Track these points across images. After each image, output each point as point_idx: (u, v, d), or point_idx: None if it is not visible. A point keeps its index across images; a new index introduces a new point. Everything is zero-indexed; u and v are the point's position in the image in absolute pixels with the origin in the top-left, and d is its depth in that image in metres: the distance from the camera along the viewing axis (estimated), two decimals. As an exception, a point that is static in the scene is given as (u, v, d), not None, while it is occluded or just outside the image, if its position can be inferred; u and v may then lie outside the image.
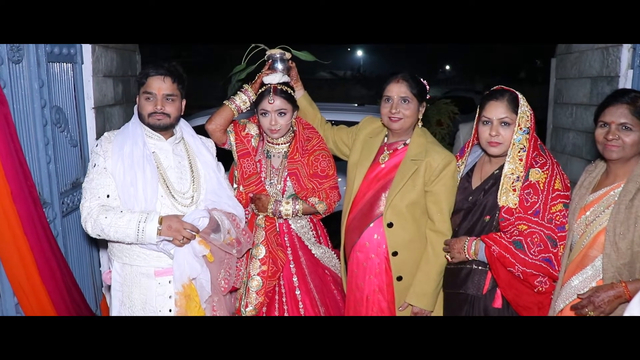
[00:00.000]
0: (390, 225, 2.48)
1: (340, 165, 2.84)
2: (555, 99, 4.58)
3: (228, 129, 2.73)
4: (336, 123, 2.97)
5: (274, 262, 2.68)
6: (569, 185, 2.26)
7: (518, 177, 2.22)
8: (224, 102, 2.69)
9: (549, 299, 2.21)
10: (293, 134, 2.77)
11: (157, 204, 2.29)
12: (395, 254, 2.49)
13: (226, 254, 2.40)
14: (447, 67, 30.05)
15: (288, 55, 2.73)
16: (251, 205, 2.75)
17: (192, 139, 2.51)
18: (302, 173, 2.71)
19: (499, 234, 2.24)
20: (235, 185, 2.74)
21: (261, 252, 2.69)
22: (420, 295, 2.46)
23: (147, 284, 2.35)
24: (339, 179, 2.80)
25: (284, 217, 2.71)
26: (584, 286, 2.08)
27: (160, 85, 2.30)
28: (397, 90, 2.49)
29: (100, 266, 3.28)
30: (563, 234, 2.17)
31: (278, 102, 2.62)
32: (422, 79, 2.57)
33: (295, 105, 2.71)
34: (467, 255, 2.30)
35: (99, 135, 3.04)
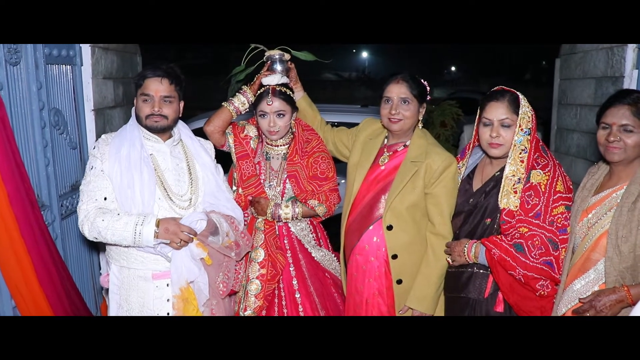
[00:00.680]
0: (389, 227, 2.46)
1: (341, 167, 2.81)
2: (559, 99, 4.54)
3: (227, 131, 2.71)
4: (339, 124, 2.95)
5: (273, 265, 2.66)
6: (571, 187, 2.22)
7: (519, 179, 2.19)
8: (223, 103, 2.67)
9: (552, 304, 2.18)
10: (292, 136, 2.74)
11: (154, 206, 2.27)
12: (395, 257, 2.46)
13: (225, 257, 2.38)
14: (453, 69, 30.01)
15: (287, 57, 2.71)
16: (250, 208, 2.73)
17: (190, 140, 2.49)
18: (302, 175, 2.69)
19: (499, 236, 2.21)
20: (234, 188, 2.72)
21: (260, 255, 2.66)
22: (421, 299, 2.43)
23: (145, 287, 2.33)
24: (341, 181, 2.77)
25: (284, 221, 2.69)
26: (586, 290, 2.05)
27: (158, 87, 2.28)
28: (397, 91, 2.46)
29: (100, 269, 3.26)
30: (565, 236, 2.14)
31: (277, 104, 2.60)
32: (422, 80, 2.54)
33: (294, 107, 2.69)
34: (467, 259, 2.27)
35: (99, 137, 3.03)
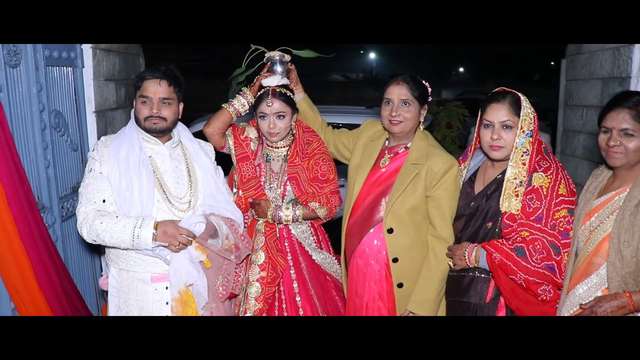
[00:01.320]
0: (390, 230, 2.43)
1: (342, 169, 2.78)
2: (565, 100, 4.50)
3: (227, 133, 2.70)
4: (345, 126, 2.92)
5: (273, 268, 2.64)
6: (574, 190, 2.18)
7: (521, 182, 2.15)
8: (223, 105, 2.66)
9: (555, 309, 2.14)
10: (292, 138, 2.72)
11: (153, 209, 2.26)
12: (395, 260, 2.44)
13: (224, 259, 2.36)
14: (461, 70, 29.92)
15: (287, 58, 2.69)
16: (251, 211, 2.71)
17: (190, 142, 2.47)
18: (302, 177, 2.66)
19: (500, 240, 2.17)
20: (234, 190, 2.70)
21: (260, 257, 2.64)
22: (422, 303, 2.40)
23: (144, 289, 2.32)
24: (342, 184, 2.75)
25: (284, 223, 2.67)
26: (589, 295, 2.01)
27: (156, 89, 2.26)
28: (398, 92, 2.44)
29: (102, 271, 3.26)
30: (567, 240, 2.10)
31: (277, 105, 2.58)
32: (424, 81, 2.51)
33: (294, 108, 2.67)
34: (468, 263, 2.24)
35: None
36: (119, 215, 2.20)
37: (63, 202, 2.86)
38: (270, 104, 2.57)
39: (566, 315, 2.07)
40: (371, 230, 2.49)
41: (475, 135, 2.40)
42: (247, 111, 2.68)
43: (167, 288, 2.29)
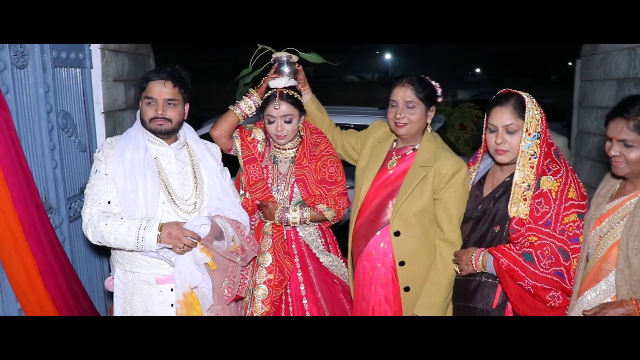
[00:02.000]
0: (397, 233, 2.40)
1: (351, 171, 2.76)
2: (580, 101, 4.43)
3: (233, 134, 2.68)
4: (357, 127, 2.89)
5: (280, 270, 2.61)
6: (585, 194, 2.12)
7: (529, 185, 2.10)
8: (229, 107, 2.63)
9: (564, 315, 2.09)
10: (300, 139, 2.70)
11: (158, 210, 2.25)
12: (402, 263, 2.41)
13: (230, 262, 2.34)
14: (478, 70, 29.73)
15: (295, 58, 2.66)
16: (258, 213, 2.69)
17: (196, 144, 2.46)
18: (310, 179, 2.64)
19: (508, 245, 2.12)
20: (241, 192, 2.69)
21: (268, 260, 2.62)
22: (429, 307, 2.36)
23: (149, 291, 2.31)
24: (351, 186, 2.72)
25: (292, 225, 2.64)
26: (597, 302, 1.94)
27: (161, 90, 2.25)
28: (402, 94, 2.40)
29: (110, 272, 3.26)
30: (576, 246, 2.04)
31: (284, 108, 2.55)
32: (433, 82, 2.46)
33: (302, 110, 2.65)
34: (475, 268, 2.19)
35: (109, 140, 3.04)
36: (123, 217, 2.19)
37: (71, 203, 2.87)
38: (278, 106, 2.54)
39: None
40: (378, 233, 2.46)
41: (483, 138, 2.36)
42: (254, 113, 2.65)
43: (172, 290, 2.28)
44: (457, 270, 2.29)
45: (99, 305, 3.02)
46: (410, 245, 2.40)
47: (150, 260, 2.27)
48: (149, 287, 2.31)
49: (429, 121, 2.45)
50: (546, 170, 2.10)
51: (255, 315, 2.58)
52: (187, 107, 2.38)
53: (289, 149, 2.68)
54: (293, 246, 2.70)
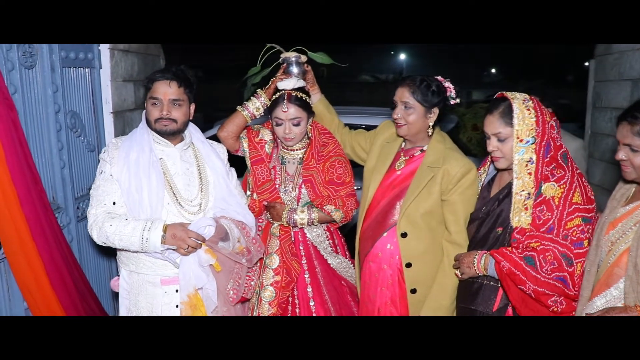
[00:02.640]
0: (404, 235, 2.37)
1: (359, 172, 2.73)
2: (593, 102, 4.37)
3: (241, 135, 2.66)
4: (368, 128, 2.86)
5: (287, 272, 2.60)
6: (592, 197, 2.06)
7: (529, 194, 2.04)
8: (237, 107, 2.62)
9: None
10: (308, 140, 2.68)
11: (163, 211, 2.24)
12: (409, 265, 2.38)
13: (236, 263, 2.33)
14: (493, 71, 29.51)
15: (304, 58, 2.62)
16: (266, 214, 2.67)
17: (202, 144, 2.45)
18: (317, 180, 2.62)
19: (509, 248, 2.08)
20: (248, 193, 2.67)
21: (275, 261, 2.61)
22: (436, 309, 2.34)
23: (154, 292, 2.31)
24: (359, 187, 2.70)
25: (299, 226, 2.63)
26: None
27: (166, 90, 2.25)
28: (400, 95, 2.38)
29: (118, 272, 3.27)
30: (580, 250, 1.99)
31: (292, 110, 2.53)
32: (442, 83, 2.41)
33: (310, 112, 2.62)
34: (477, 271, 2.16)
35: (117, 140, 3.04)
36: (128, 218, 2.19)
37: (78, 203, 2.88)
38: (286, 109, 2.52)
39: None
40: (385, 234, 2.44)
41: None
42: (262, 114, 2.63)
43: (177, 291, 2.27)
44: (458, 274, 2.26)
45: (107, 305, 3.03)
46: (417, 246, 2.38)
47: (155, 261, 2.26)
48: (154, 288, 2.30)
49: (431, 123, 2.40)
50: (549, 177, 2.04)
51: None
52: (192, 107, 2.37)
53: (297, 150, 2.67)
54: (301, 247, 2.68)
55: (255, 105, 2.59)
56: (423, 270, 2.38)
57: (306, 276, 2.66)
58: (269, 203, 2.63)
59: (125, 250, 2.25)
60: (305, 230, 2.67)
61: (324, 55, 2.70)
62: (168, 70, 2.28)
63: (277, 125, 2.57)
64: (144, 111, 2.34)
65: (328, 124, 2.78)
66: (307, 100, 2.60)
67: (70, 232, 2.80)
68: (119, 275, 2.42)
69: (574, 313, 2.02)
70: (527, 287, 1.99)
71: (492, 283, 2.17)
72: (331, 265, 2.70)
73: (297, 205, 2.64)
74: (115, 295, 3.20)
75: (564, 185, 2.02)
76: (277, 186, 2.64)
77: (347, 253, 2.80)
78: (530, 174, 2.05)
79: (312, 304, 2.64)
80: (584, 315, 1.96)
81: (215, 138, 2.63)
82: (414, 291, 2.40)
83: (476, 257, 2.16)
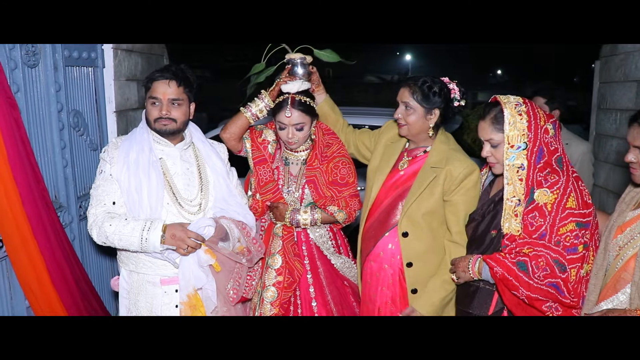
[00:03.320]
0: (405, 234, 2.37)
1: (362, 173, 2.73)
2: (598, 104, 4.34)
3: (244, 135, 2.65)
4: (373, 128, 2.85)
5: (290, 272, 2.59)
6: (588, 202, 2.01)
7: (519, 200, 2.01)
8: (240, 108, 2.59)
9: None
10: (312, 142, 2.67)
11: (162, 211, 2.24)
12: (409, 265, 2.38)
13: (236, 263, 2.32)
14: (499, 72, 29.41)
15: (309, 59, 2.57)
16: (269, 214, 2.67)
17: (202, 144, 2.44)
18: (321, 180, 2.61)
19: (502, 253, 2.04)
20: (249, 193, 2.66)
21: (277, 262, 2.60)
22: (427, 305, 2.35)
23: (153, 292, 2.30)
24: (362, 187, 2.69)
25: (302, 227, 2.62)
26: None
27: (165, 90, 2.24)
28: (401, 95, 2.38)
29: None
30: (574, 256, 1.94)
31: (296, 115, 2.50)
32: (446, 85, 2.38)
33: (314, 115, 2.60)
34: (472, 275, 2.13)
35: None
36: (128, 218, 2.18)
37: (81, 202, 2.88)
38: (289, 114, 2.49)
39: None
40: (387, 234, 2.44)
41: None
42: (265, 116, 2.62)
43: (176, 291, 2.27)
44: (454, 278, 2.24)
45: (108, 304, 3.03)
46: (417, 246, 2.37)
47: (155, 261, 2.26)
48: (154, 288, 2.30)
49: (431, 124, 2.39)
50: (543, 182, 2.00)
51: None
52: (192, 106, 2.36)
53: (300, 151, 2.66)
54: (303, 248, 2.67)
55: (259, 107, 2.57)
56: (424, 270, 2.38)
57: (309, 276, 2.65)
58: (272, 203, 2.62)
59: (125, 250, 2.25)
60: (308, 231, 2.66)
61: (332, 53, 2.62)
62: (167, 70, 2.27)
63: (281, 129, 2.56)
64: (144, 110, 2.34)
65: (333, 124, 2.77)
66: (311, 104, 2.58)
67: (73, 230, 2.80)
68: (119, 275, 2.42)
69: None
70: (520, 292, 1.96)
71: (487, 287, 2.14)
72: (334, 266, 2.69)
73: (301, 205, 2.63)
74: (116, 295, 3.22)
75: (557, 191, 1.97)
76: (280, 186, 2.63)
77: (349, 253, 2.79)
78: (521, 180, 2.01)
79: (314, 304, 2.63)
80: None
81: (219, 138, 2.63)
82: (414, 291, 2.39)
83: (470, 261, 2.14)
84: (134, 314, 2.34)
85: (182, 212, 2.28)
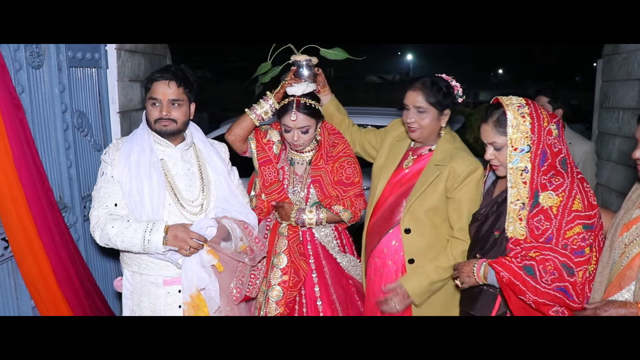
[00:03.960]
0: (407, 231, 2.38)
1: (367, 172, 2.73)
2: (601, 102, 4.34)
3: (249, 136, 2.66)
4: (375, 127, 2.86)
5: (295, 272, 2.60)
6: (594, 203, 2.00)
7: (523, 204, 1.98)
8: (245, 110, 2.59)
9: None
10: (317, 142, 2.67)
11: (164, 212, 2.24)
12: (411, 261, 2.39)
13: (239, 262, 2.33)
14: (500, 71, 29.41)
15: (315, 61, 2.55)
16: (274, 214, 2.67)
17: (203, 144, 2.43)
18: (326, 180, 2.62)
19: (508, 257, 2.02)
20: (253, 193, 2.67)
21: (283, 261, 2.61)
22: (415, 283, 2.37)
23: (156, 292, 2.31)
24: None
25: (308, 226, 2.63)
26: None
27: (165, 91, 2.23)
28: (413, 99, 2.36)
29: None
30: (581, 258, 1.92)
31: (301, 118, 2.50)
32: (450, 83, 2.39)
33: (319, 117, 2.60)
34: (477, 279, 2.10)
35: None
36: (130, 220, 2.18)
37: (85, 202, 2.89)
38: (295, 118, 2.49)
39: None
40: (391, 231, 2.45)
41: None
42: (270, 117, 2.61)
43: (179, 291, 2.27)
44: (458, 283, 2.21)
45: (113, 304, 3.04)
46: (420, 243, 2.39)
47: (157, 261, 2.26)
48: (157, 289, 2.30)
49: (443, 124, 2.40)
50: (547, 185, 1.97)
51: (269, 316, 2.57)
52: (193, 107, 2.35)
53: (306, 152, 2.66)
54: (309, 247, 2.68)
55: (264, 109, 2.56)
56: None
57: (314, 276, 2.66)
58: (278, 203, 2.63)
59: (128, 251, 2.25)
60: (314, 230, 2.67)
61: (340, 51, 2.58)
62: (167, 70, 2.26)
63: (286, 131, 2.56)
64: (144, 111, 2.33)
65: (338, 124, 2.78)
66: (317, 107, 2.57)
67: (77, 231, 2.81)
68: (122, 276, 2.42)
69: None
70: (527, 297, 1.93)
71: (491, 290, 2.13)
72: (340, 264, 2.70)
73: (306, 205, 2.64)
74: (119, 295, 3.22)
75: (563, 194, 1.95)
76: (285, 187, 2.64)
77: (355, 252, 2.80)
78: (525, 183, 1.98)
79: (319, 303, 2.63)
80: None
81: (222, 138, 2.63)
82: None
83: (475, 265, 2.10)
84: (137, 315, 2.34)
85: (183, 212, 2.28)
